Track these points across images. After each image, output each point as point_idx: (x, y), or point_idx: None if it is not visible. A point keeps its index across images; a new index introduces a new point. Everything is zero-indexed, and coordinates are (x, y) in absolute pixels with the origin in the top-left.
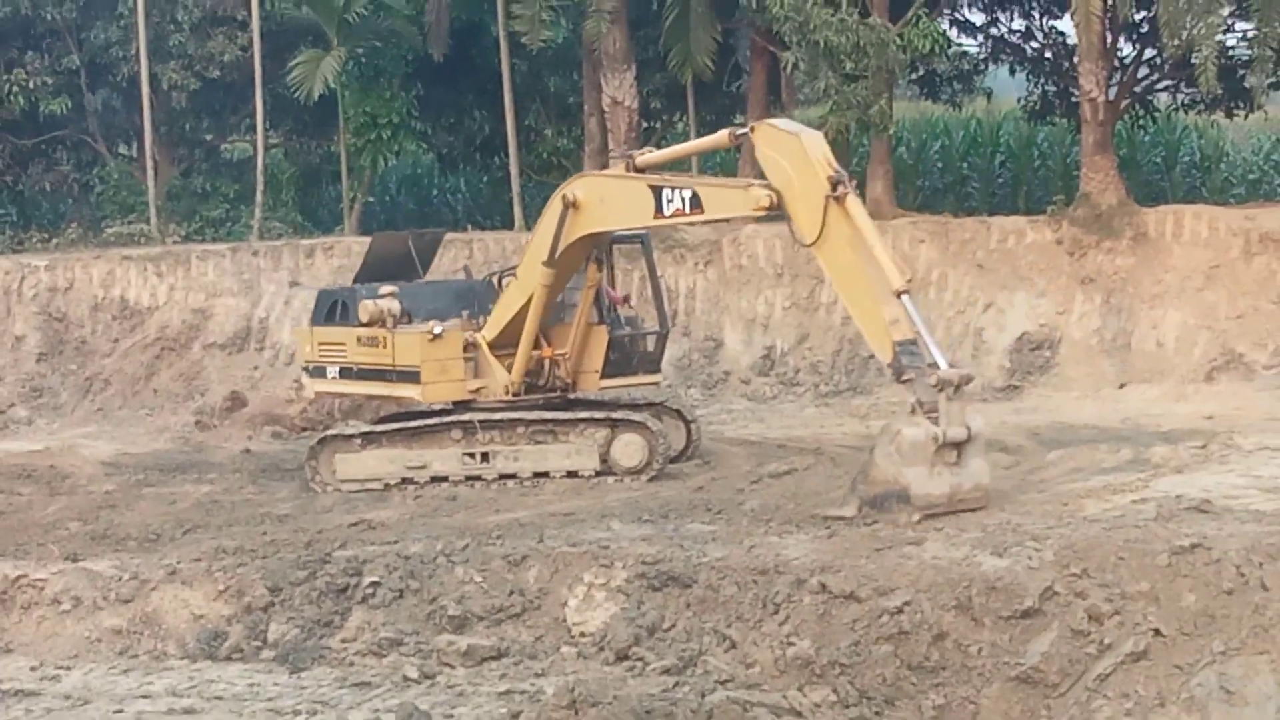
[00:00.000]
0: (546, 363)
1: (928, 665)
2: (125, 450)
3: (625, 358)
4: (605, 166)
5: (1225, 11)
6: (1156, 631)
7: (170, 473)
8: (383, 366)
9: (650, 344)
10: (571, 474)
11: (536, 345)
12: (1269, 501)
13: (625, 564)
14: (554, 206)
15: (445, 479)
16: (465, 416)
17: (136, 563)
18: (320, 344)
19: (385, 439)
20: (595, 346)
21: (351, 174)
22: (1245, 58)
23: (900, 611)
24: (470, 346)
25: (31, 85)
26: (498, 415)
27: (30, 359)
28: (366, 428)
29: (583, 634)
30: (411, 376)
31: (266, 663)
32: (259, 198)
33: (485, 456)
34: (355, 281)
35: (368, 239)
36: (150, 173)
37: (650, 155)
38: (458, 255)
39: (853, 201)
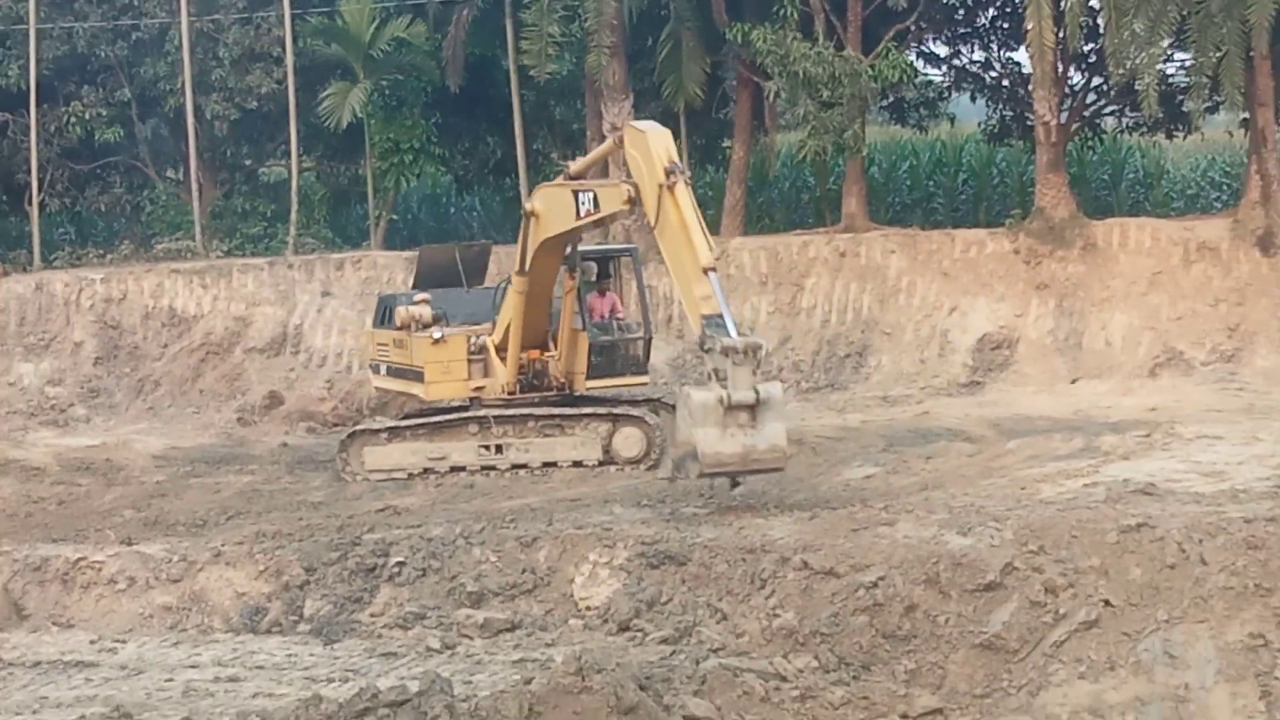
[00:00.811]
0: (538, 364)
1: (900, 634)
2: (174, 445)
3: (608, 361)
4: None
5: (1165, 43)
6: (1106, 602)
7: (215, 465)
8: (406, 366)
9: (634, 348)
10: (577, 464)
11: (544, 348)
12: (1207, 484)
13: (626, 544)
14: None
15: (463, 469)
16: (481, 412)
17: (185, 546)
18: (376, 344)
19: (409, 433)
20: (580, 350)
21: (377, 194)
22: (1184, 85)
23: (875, 586)
24: (481, 349)
25: (88, 116)
26: (510, 411)
27: (88, 363)
28: (392, 423)
29: (588, 608)
30: (420, 376)
31: (303, 635)
32: (293, 216)
33: (499, 448)
34: (412, 289)
35: (392, 253)
36: (195, 194)
37: (576, 164)
38: None
39: (681, 189)
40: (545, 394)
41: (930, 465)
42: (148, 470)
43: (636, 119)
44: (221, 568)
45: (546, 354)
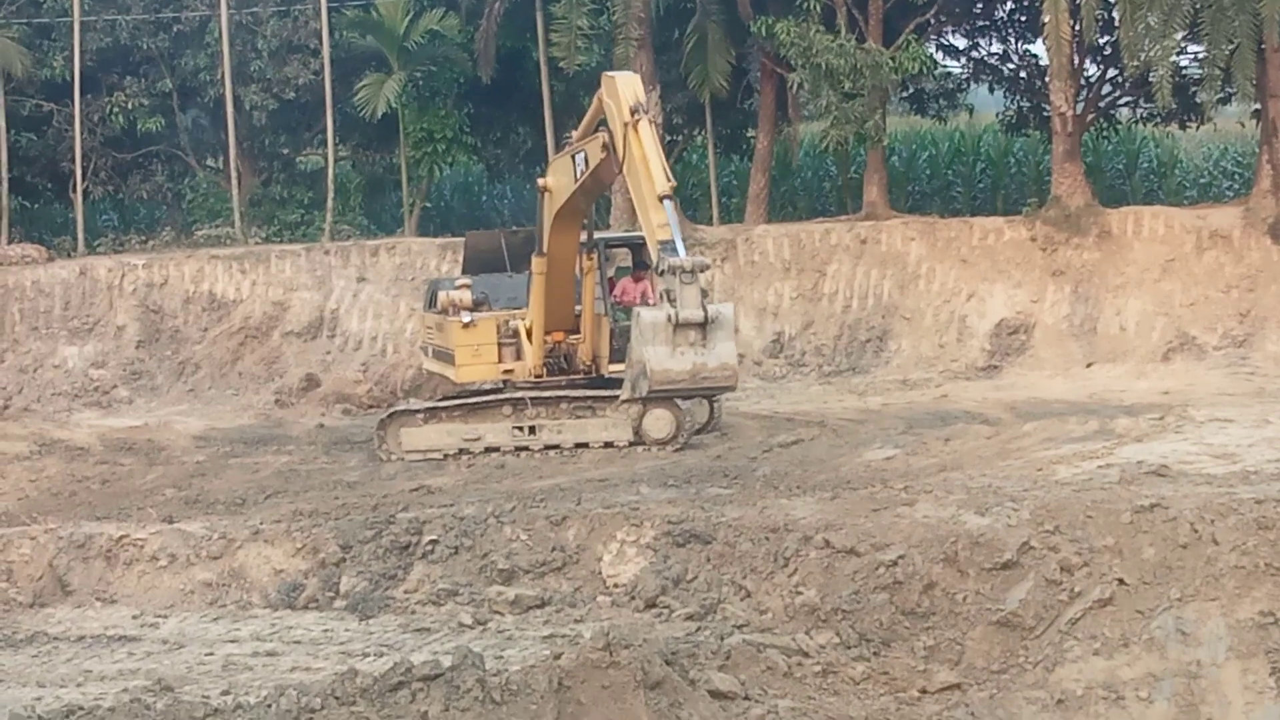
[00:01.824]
0: (564, 347)
1: (919, 611)
2: (214, 426)
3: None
4: None
5: (1179, 35)
6: (1120, 581)
7: (253, 445)
8: (443, 348)
9: None
10: (608, 445)
11: (571, 331)
12: (1219, 466)
13: (653, 523)
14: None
15: (497, 449)
16: (517, 395)
17: (224, 524)
18: (425, 328)
19: (444, 414)
20: (603, 334)
21: (411, 182)
22: (1197, 76)
23: (895, 564)
24: (513, 333)
25: (130, 106)
26: (545, 393)
27: (130, 346)
28: (428, 404)
29: (616, 585)
30: (453, 358)
31: (339, 611)
32: (329, 204)
33: (532, 430)
34: (462, 273)
35: (426, 240)
36: (234, 182)
37: (577, 131)
38: None
39: (644, 126)
40: (572, 377)
41: (949, 447)
42: (188, 450)
43: (664, 109)
44: (260, 545)
45: (572, 337)
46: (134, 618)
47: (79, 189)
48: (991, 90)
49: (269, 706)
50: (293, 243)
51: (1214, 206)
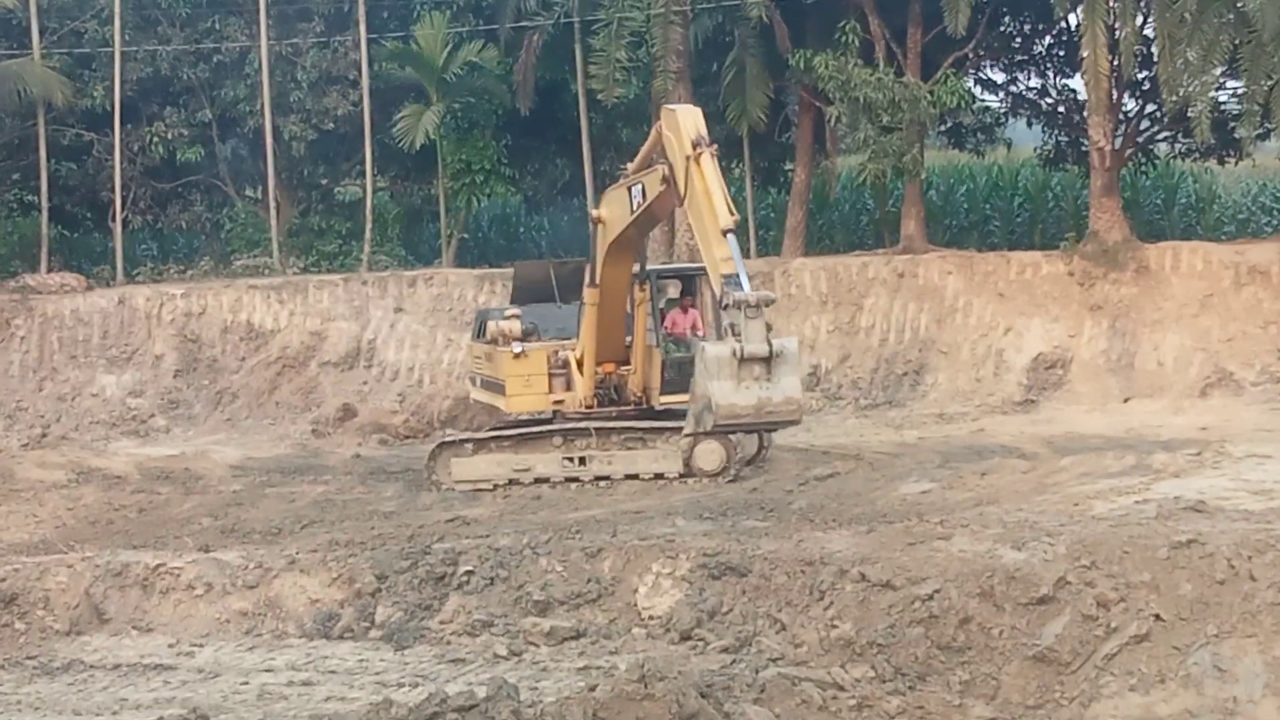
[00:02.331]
0: (615, 378)
1: (955, 645)
2: (251, 455)
3: (682, 376)
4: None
5: (1218, 71)
6: (1157, 617)
7: (290, 475)
8: (493, 379)
9: None
10: (659, 476)
11: (623, 362)
12: (1256, 502)
13: (688, 556)
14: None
15: (547, 480)
16: (566, 426)
17: (261, 553)
18: (473, 357)
19: (494, 444)
20: (654, 365)
21: (449, 213)
22: (1236, 112)
23: (931, 598)
24: (564, 363)
25: (170, 136)
26: (596, 424)
27: (168, 375)
28: (480, 435)
29: (651, 617)
30: (503, 388)
31: (374, 641)
32: (368, 234)
33: (582, 460)
34: (510, 303)
35: (464, 271)
36: (273, 212)
37: (633, 163)
38: None
39: (706, 160)
40: (623, 408)
41: (985, 481)
42: (225, 480)
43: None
44: (296, 575)
45: (623, 368)
46: (170, 646)
47: (118, 218)
48: (1030, 125)
49: None
50: (330, 273)
51: (1252, 242)
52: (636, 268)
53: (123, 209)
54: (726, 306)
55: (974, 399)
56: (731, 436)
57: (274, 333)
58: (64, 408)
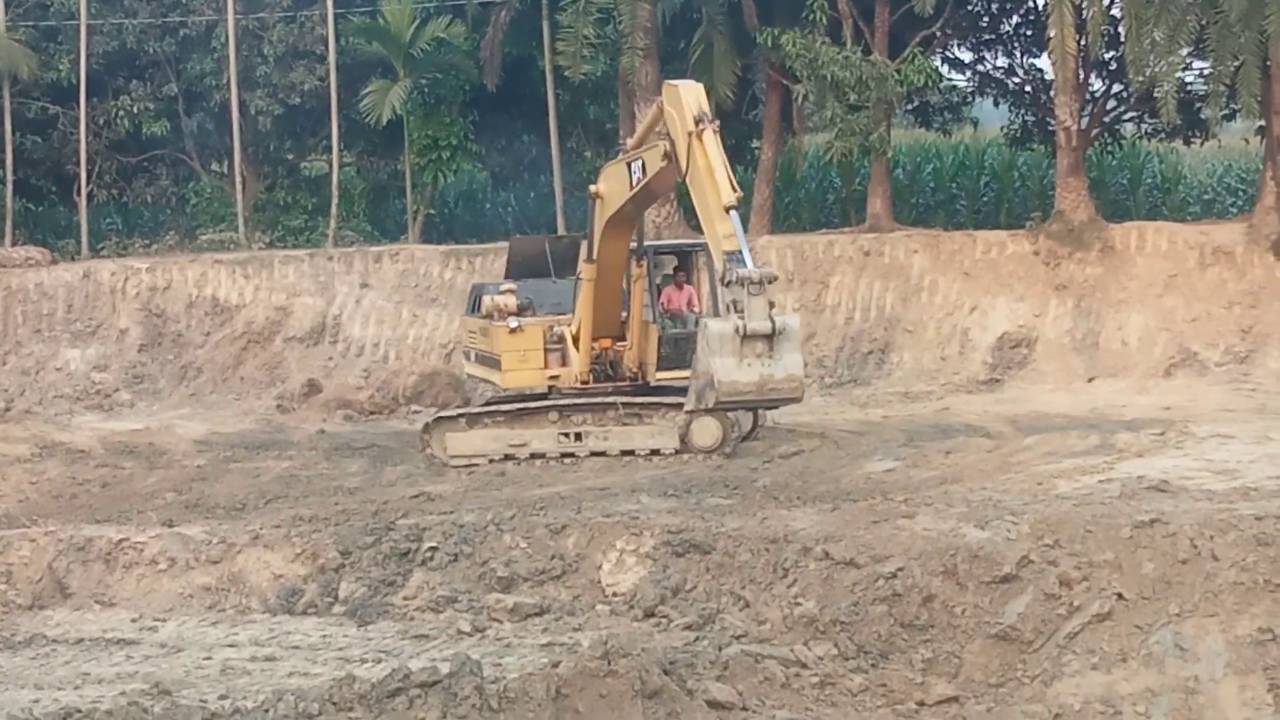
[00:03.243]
0: (611, 354)
1: (918, 624)
2: (215, 430)
3: (678, 352)
4: None
5: (1184, 52)
6: (1119, 596)
7: (254, 450)
8: (488, 353)
9: None
10: (655, 452)
11: (618, 338)
12: (1219, 482)
13: (653, 533)
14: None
15: (543, 456)
16: (563, 401)
17: (224, 528)
18: (468, 332)
19: (490, 419)
20: (650, 341)
21: (415, 189)
22: (1202, 92)
23: (894, 576)
24: (559, 339)
25: (136, 110)
26: (594, 400)
27: (133, 349)
28: (474, 409)
29: (615, 594)
30: (498, 363)
31: (337, 617)
32: (334, 210)
33: (578, 436)
34: (505, 278)
35: (430, 247)
36: (239, 187)
37: (633, 139)
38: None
39: (709, 136)
40: (618, 384)
41: (949, 460)
42: (189, 454)
43: None
44: (259, 550)
45: (619, 344)
46: (133, 621)
47: (83, 192)
48: (996, 104)
49: (266, 711)
50: (296, 248)
51: (1217, 223)
52: (634, 243)
53: (88, 183)
54: (729, 283)
55: (939, 378)
56: (729, 413)
57: (239, 308)
58: (28, 382)
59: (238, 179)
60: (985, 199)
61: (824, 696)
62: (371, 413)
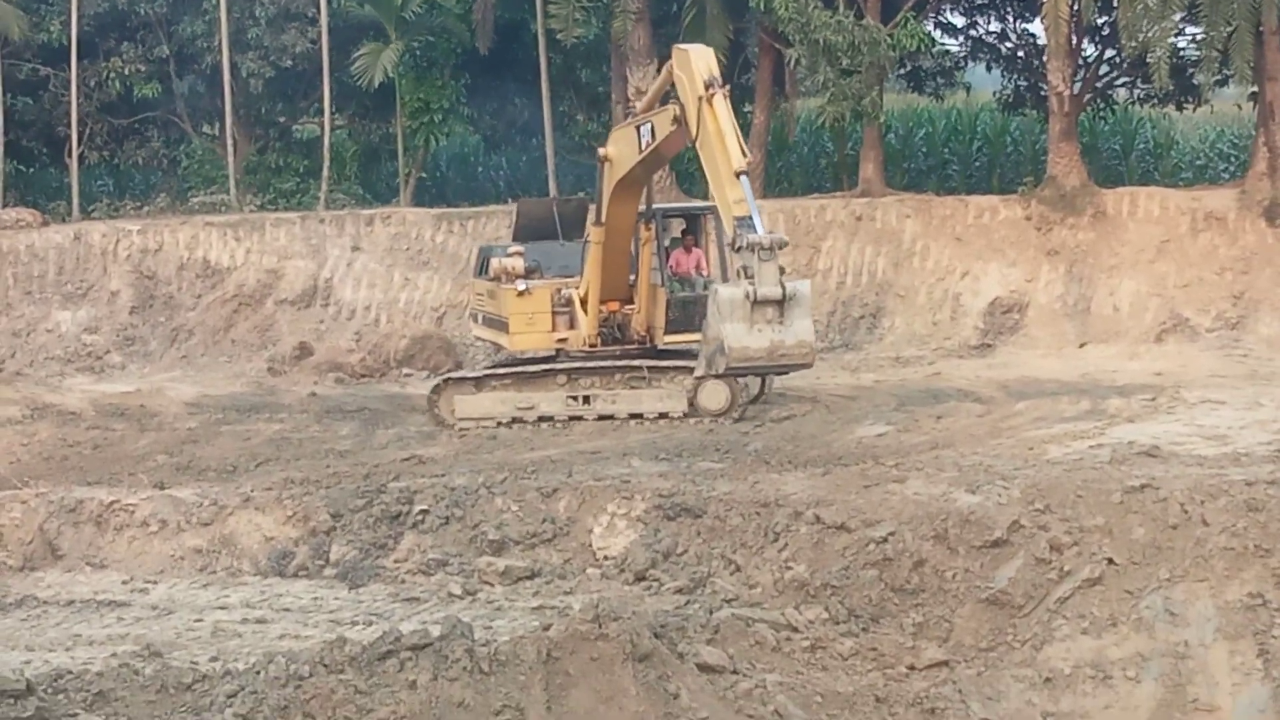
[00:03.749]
0: (619, 317)
1: (909, 588)
2: (206, 392)
3: (686, 316)
4: None
5: (1177, 17)
6: (1110, 560)
7: (245, 413)
8: (496, 316)
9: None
10: (663, 415)
11: (626, 301)
12: (1210, 447)
13: (644, 496)
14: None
15: (551, 419)
16: (572, 365)
17: (215, 491)
18: (475, 294)
19: (498, 382)
20: (659, 305)
21: (407, 152)
22: (1194, 58)
23: (885, 541)
24: (567, 301)
25: (127, 72)
26: (604, 363)
27: (124, 311)
28: (483, 372)
29: (606, 557)
30: (507, 326)
31: (328, 579)
32: (325, 172)
33: (586, 399)
34: (513, 240)
35: (421, 210)
36: (230, 149)
37: (643, 102)
38: (499, 225)
39: (719, 100)
40: (626, 347)
41: (940, 425)
42: (180, 417)
43: None
44: (251, 512)
45: (627, 307)
46: (124, 583)
47: (74, 154)
48: (989, 69)
49: (257, 673)
50: (288, 211)
51: (1209, 188)
52: (642, 206)
53: (79, 145)
54: (739, 249)
55: (930, 342)
56: (739, 378)
57: (230, 270)
58: (19, 343)
59: (229, 141)
60: (977, 164)
61: (814, 660)
62: (363, 376)
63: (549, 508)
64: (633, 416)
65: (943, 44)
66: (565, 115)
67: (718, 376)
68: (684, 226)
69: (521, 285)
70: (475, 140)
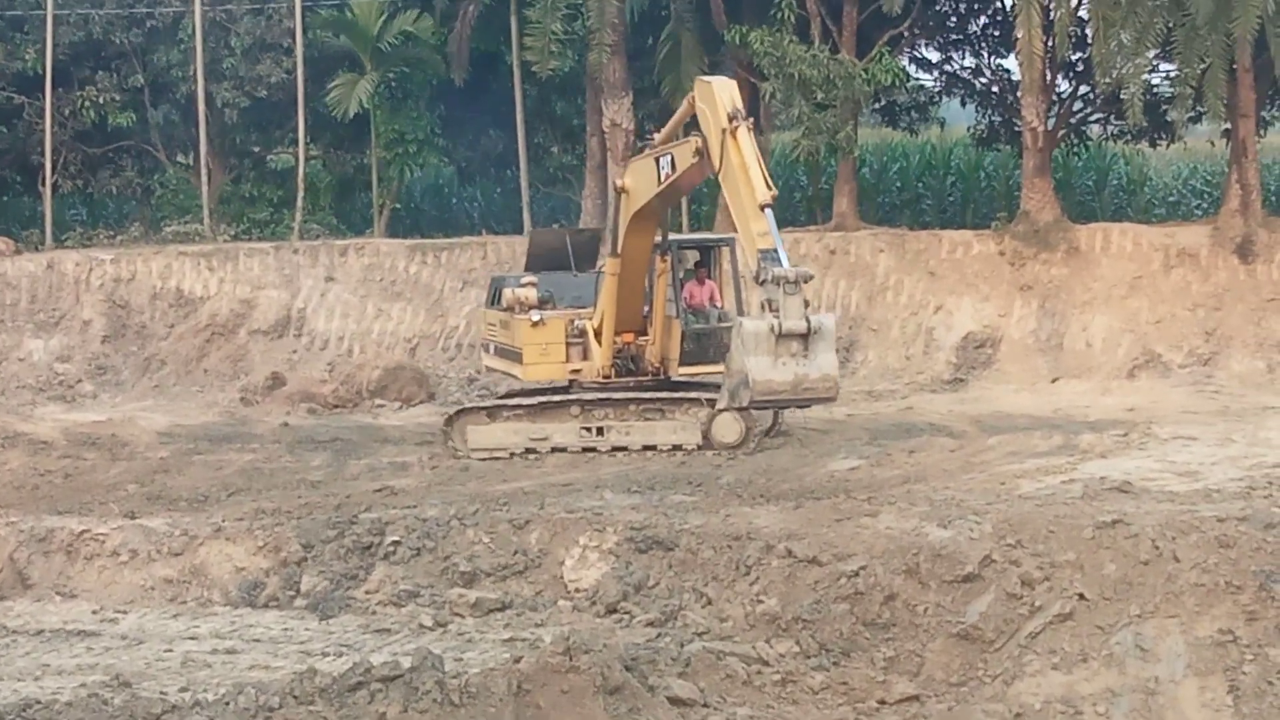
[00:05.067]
0: (633, 348)
1: (880, 622)
2: (178, 422)
3: (701, 348)
4: (605, 181)
5: (1151, 54)
6: (1081, 596)
7: (217, 442)
8: (509, 346)
9: (726, 336)
10: (676, 448)
11: (640, 333)
12: (1181, 484)
13: (616, 529)
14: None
15: (564, 449)
16: (585, 396)
17: (186, 521)
18: (486, 324)
19: (511, 413)
20: (673, 337)
21: (381, 183)
22: (1168, 95)
23: (857, 575)
24: (581, 332)
25: (101, 100)
26: (616, 395)
27: (96, 340)
28: (496, 402)
29: (577, 590)
30: (520, 357)
31: (299, 610)
32: (299, 203)
33: (600, 430)
34: (525, 271)
35: (395, 241)
36: (204, 179)
37: (661, 133)
38: (473, 257)
39: (743, 133)
40: (640, 378)
41: (913, 459)
42: (152, 446)
43: (635, 116)
44: (222, 543)
45: (641, 339)
46: (94, 613)
47: (48, 182)
48: (963, 104)
49: (227, 704)
50: (261, 241)
51: (1182, 225)
52: (658, 238)
53: (53, 173)
54: (764, 282)
55: (903, 377)
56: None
57: (204, 300)
58: None
59: (203, 171)
60: (951, 199)
61: (785, 694)
62: (335, 406)
63: (521, 540)
64: (647, 448)
65: (917, 79)
66: (540, 147)
67: (741, 410)
68: (697, 258)
69: (536, 316)
70: (450, 172)
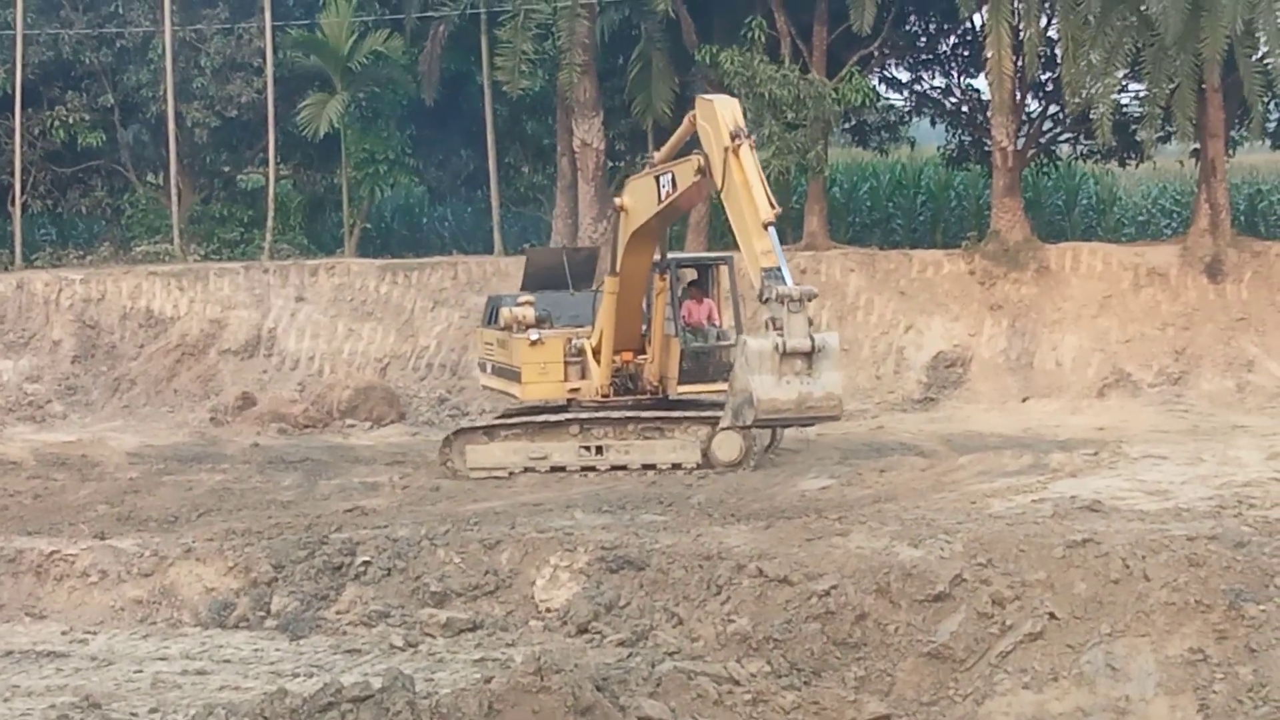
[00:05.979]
0: (631, 367)
1: (851, 641)
2: (148, 442)
3: (700, 366)
4: (575, 201)
5: (1120, 74)
6: (1052, 615)
7: (187, 463)
8: (506, 365)
9: (725, 355)
10: (676, 466)
11: (638, 351)
12: (1152, 502)
13: (587, 549)
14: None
15: (563, 469)
16: (584, 415)
17: (156, 541)
18: (483, 343)
19: (510, 432)
20: (672, 355)
21: (352, 203)
22: (1137, 114)
23: (827, 594)
24: (579, 351)
25: (71, 120)
26: (615, 414)
27: (66, 361)
28: (494, 421)
29: (548, 610)
30: (518, 376)
31: (269, 631)
32: (270, 222)
33: (599, 449)
34: (521, 290)
35: (366, 261)
36: (174, 199)
37: (660, 152)
38: (444, 276)
39: (745, 151)
40: (639, 397)
41: (884, 478)
42: (122, 467)
43: (606, 136)
44: (192, 563)
45: (640, 357)
46: (63, 634)
47: (17, 202)
48: (933, 124)
49: None
50: (232, 261)
51: (1152, 244)
52: (657, 256)
53: (22, 193)
54: (768, 300)
55: (874, 396)
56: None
57: (174, 320)
58: None
59: (173, 191)
60: (921, 218)
61: (756, 714)
62: (306, 426)
63: (491, 559)
64: (646, 467)
65: (887, 99)
66: (511, 167)
67: (745, 428)
68: (694, 276)
69: (534, 335)
70: (420, 191)
